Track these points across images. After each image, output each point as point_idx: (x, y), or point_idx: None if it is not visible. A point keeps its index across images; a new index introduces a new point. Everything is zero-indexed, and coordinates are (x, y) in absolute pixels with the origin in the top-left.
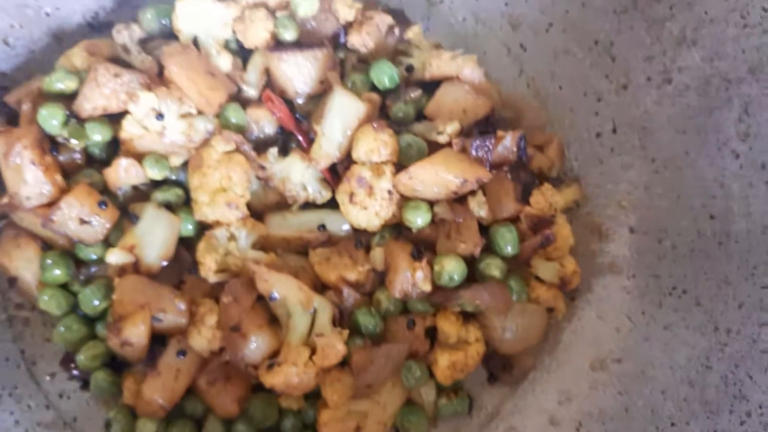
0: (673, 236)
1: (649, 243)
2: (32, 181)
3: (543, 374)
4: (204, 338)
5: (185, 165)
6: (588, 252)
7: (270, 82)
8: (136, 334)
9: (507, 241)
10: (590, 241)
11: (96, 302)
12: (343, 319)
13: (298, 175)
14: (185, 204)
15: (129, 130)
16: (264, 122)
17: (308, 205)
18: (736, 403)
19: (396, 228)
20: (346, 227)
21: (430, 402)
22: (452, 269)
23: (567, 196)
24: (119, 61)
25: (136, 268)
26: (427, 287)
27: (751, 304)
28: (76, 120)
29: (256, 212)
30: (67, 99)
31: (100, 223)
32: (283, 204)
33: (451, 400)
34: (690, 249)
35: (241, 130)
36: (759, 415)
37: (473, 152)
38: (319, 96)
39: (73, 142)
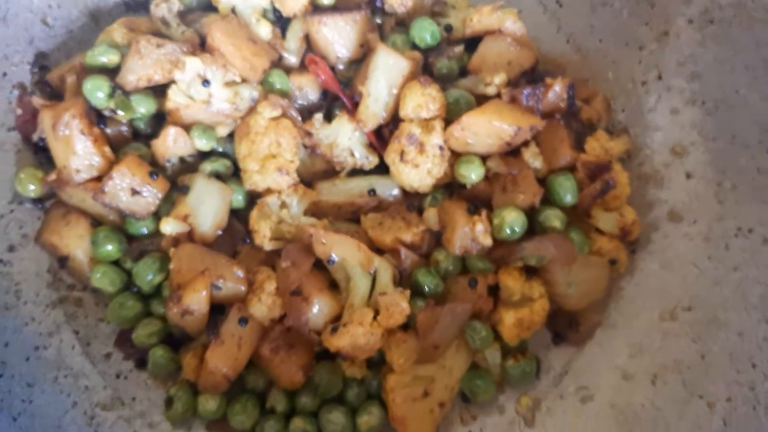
0: (732, 176)
1: (708, 186)
2: (82, 152)
3: (610, 330)
4: (264, 305)
5: (230, 137)
6: (644, 203)
7: (310, 50)
8: (197, 300)
9: (566, 190)
10: (645, 192)
11: (150, 276)
12: (402, 282)
13: (345, 139)
14: (233, 175)
15: (175, 99)
16: (307, 89)
17: (356, 172)
18: None
19: (447, 188)
20: (395, 192)
21: (495, 365)
22: (513, 221)
23: (618, 147)
24: (159, 35)
25: (190, 238)
26: (488, 241)
27: None
28: (121, 92)
29: (305, 181)
30: (110, 73)
31: (152, 193)
32: (330, 172)
33: (518, 361)
34: (751, 187)
35: (285, 96)
36: None
37: (524, 101)
38: (359, 61)
39: (120, 113)
